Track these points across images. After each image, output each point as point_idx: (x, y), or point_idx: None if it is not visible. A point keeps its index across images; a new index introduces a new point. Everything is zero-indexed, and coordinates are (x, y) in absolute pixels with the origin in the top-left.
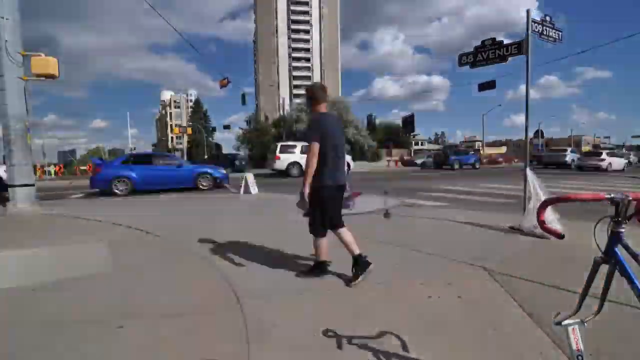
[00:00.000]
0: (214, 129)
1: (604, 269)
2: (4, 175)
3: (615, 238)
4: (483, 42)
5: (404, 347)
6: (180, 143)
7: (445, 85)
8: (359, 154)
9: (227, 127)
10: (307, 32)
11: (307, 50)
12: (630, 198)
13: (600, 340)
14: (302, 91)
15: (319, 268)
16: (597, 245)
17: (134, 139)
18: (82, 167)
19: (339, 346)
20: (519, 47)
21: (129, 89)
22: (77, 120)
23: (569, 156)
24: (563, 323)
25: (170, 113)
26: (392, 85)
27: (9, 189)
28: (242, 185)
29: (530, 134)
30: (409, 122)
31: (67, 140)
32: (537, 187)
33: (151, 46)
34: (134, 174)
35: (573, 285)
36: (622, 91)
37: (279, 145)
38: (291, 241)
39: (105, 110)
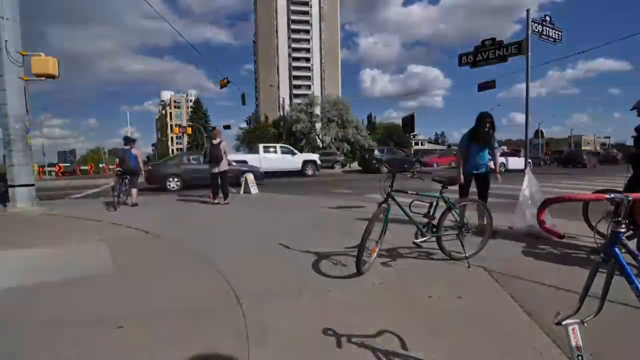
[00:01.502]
0: (214, 129)
1: (604, 269)
2: None
3: (615, 238)
4: (483, 42)
5: (404, 346)
6: (180, 143)
7: (445, 82)
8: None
9: (227, 127)
10: (307, 32)
11: (307, 50)
12: (630, 198)
13: (600, 340)
14: (302, 91)
15: None
16: (597, 245)
17: (139, 140)
18: (83, 167)
19: (339, 345)
20: (519, 47)
21: (128, 89)
22: (75, 121)
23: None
24: (563, 323)
25: (170, 113)
26: (388, 83)
27: (9, 189)
28: (242, 185)
29: (531, 134)
30: (409, 122)
31: (66, 140)
32: (532, 189)
33: (151, 47)
34: None
35: (573, 285)
36: (625, 89)
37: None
38: (291, 240)
39: (105, 110)
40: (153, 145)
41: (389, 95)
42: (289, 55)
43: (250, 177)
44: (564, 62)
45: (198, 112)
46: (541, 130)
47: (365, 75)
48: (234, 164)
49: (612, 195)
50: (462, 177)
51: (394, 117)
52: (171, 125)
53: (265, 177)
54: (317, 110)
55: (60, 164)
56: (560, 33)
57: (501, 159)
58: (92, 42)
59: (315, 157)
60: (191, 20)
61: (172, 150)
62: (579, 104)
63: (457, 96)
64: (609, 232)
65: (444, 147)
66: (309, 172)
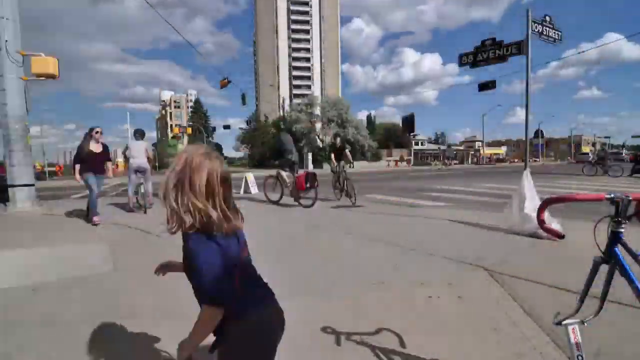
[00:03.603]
0: (214, 129)
1: (604, 269)
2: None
3: (615, 238)
4: (483, 42)
5: (404, 346)
6: (181, 143)
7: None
8: (359, 154)
9: (227, 127)
10: (307, 32)
11: (307, 50)
12: (630, 198)
13: (600, 340)
14: (302, 91)
15: None
16: (597, 245)
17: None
18: None
19: (338, 343)
20: (519, 47)
21: (129, 89)
22: (75, 121)
23: None
24: (563, 323)
25: (170, 113)
26: (372, 80)
27: (9, 189)
28: (242, 185)
29: (531, 134)
30: (409, 122)
31: (66, 139)
32: (527, 190)
33: (151, 49)
34: None
35: (573, 285)
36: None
37: None
38: (290, 241)
39: (104, 110)
40: (153, 145)
41: (394, 86)
42: (289, 55)
43: (250, 176)
44: (563, 55)
45: (198, 112)
46: (541, 130)
47: (356, 71)
48: None
49: (612, 195)
50: None
51: (387, 112)
52: (171, 125)
53: None
54: (317, 110)
55: (60, 164)
56: (560, 33)
57: None
58: (88, 41)
59: None
60: (191, 19)
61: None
62: (577, 103)
63: (457, 93)
64: (609, 232)
65: (444, 147)
66: None
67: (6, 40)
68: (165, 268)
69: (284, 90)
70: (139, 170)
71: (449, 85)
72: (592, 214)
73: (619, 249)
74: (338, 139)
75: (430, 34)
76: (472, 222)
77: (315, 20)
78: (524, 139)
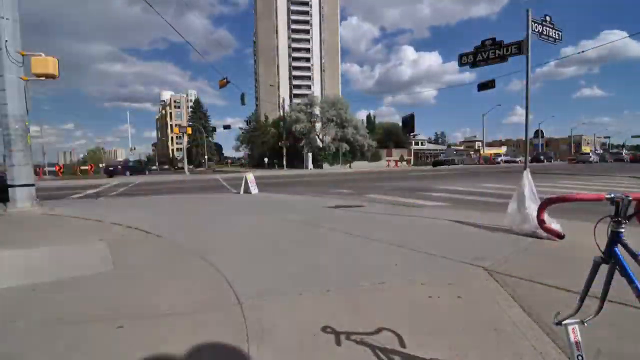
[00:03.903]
0: (214, 129)
1: (604, 269)
2: None
3: (615, 238)
4: (483, 42)
5: (404, 346)
6: (180, 143)
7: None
8: (359, 154)
9: (227, 127)
10: (307, 32)
11: (307, 50)
12: (630, 198)
13: (600, 340)
14: (302, 91)
15: None
16: (597, 245)
17: (134, 139)
18: (83, 167)
19: (338, 343)
20: (519, 47)
21: (128, 89)
22: (75, 121)
23: None
24: (563, 323)
25: (170, 113)
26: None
27: (9, 189)
28: (242, 185)
29: (531, 134)
30: (409, 122)
31: (66, 139)
32: (527, 190)
33: (150, 50)
34: None
35: (573, 285)
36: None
37: None
38: (290, 240)
39: (104, 110)
40: (153, 145)
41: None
42: (289, 55)
43: (250, 176)
44: (563, 53)
45: (198, 112)
46: (541, 130)
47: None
48: None
49: (612, 195)
50: None
51: (386, 111)
52: (171, 125)
53: None
54: (317, 110)
55: (59, 164)
56: (560, 33)
57: None
58: (87, 42)
59: None
60: (190, 19)
61: (172, 150)
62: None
63: (457, 92)
64: (609, 232)
65: (444, 147)
66: None
67: (6, 40)
68: None
69: (284, 90)
70: None
71: (449, 83)
72: (592, 214)
73: (619, 249)
74: None
75: (429, 32)
76: (472, 222)
77: (315, 20)
78: (524, 138)
